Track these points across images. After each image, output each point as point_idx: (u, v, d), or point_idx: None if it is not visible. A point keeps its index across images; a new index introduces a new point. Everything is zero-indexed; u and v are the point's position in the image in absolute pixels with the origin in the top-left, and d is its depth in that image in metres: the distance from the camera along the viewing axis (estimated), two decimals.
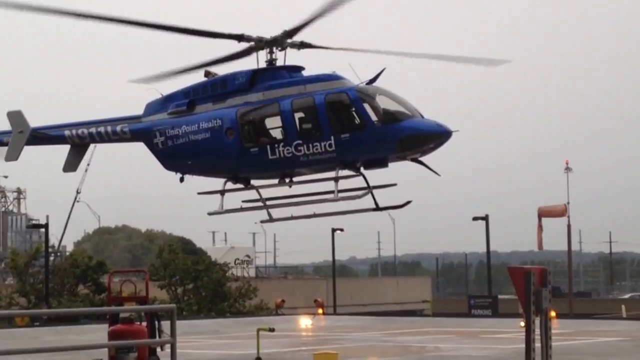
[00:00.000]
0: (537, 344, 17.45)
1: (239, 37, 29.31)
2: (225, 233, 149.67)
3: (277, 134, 28.86)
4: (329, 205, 29.03)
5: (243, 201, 30.04)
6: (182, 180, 30.63)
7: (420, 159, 28.48)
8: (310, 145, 28.11)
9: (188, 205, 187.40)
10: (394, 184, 29.08)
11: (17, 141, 31.96)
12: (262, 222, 30.42)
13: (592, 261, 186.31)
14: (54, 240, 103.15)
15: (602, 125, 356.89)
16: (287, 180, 29.32)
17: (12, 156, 32.15)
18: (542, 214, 69.13)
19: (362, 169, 28.57)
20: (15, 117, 32.05)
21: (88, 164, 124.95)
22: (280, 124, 28.73)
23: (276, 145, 28.48)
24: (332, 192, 28.37)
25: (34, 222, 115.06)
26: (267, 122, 29.27)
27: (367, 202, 29.01)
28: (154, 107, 31.13)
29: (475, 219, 78.22)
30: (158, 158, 30.80)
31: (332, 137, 27.93)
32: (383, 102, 27.99)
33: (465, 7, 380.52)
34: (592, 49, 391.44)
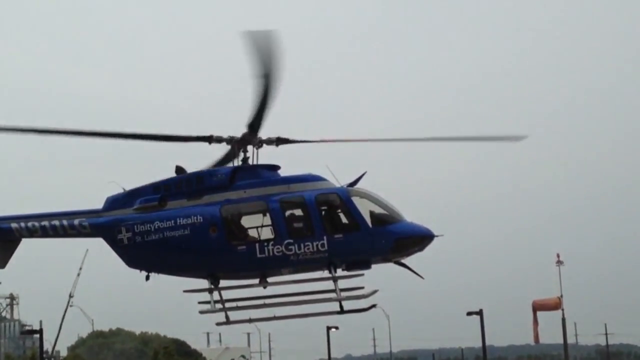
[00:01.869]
0: None
1: (209, 139, 29.15)
2: (220, 334, 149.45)
3: (266, 232, 28.48)
4: (292, 309, 28.69)
5: (226, 300, 29.00)
6: (147, 278, 29.39)
7: (403, 261, 28.63)
8: (302, 245, 27.85)
9: (181, 306, 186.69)
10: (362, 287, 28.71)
11: None
12: (217, 324, 29.28)
13: (588, 354, 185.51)
14: (47, 345, 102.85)
15: (594, 214, 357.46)
16: (262, 279, 28.76)
17: None
18: (537, 307, 69.61)
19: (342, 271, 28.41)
20: None
21: (80, 268, 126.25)
22: (269, 222, 28.37)
23: (265, 244, 28.04)
24: (322, 292, 28.34)
25: (27, 327, 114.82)
26: (254, 220, 28.86)
27: (333, 305, 28.77)
28: (116, 201, 29.85)
29: (469, 313, 78.20)
30: (121, 255, 29.50)
31: (325, 237, 27.79)
32: (372, 205, 28.19)
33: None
34: (592, 142, 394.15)
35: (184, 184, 29.43)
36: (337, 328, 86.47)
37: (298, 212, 28.49)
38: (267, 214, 28.45)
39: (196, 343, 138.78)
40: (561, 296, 71.74)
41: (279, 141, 29.48)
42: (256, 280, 28.94)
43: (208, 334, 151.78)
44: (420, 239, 28.13)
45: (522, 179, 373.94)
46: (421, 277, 28.82)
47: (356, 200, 28.12)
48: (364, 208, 28.12)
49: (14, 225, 30.41)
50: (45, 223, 30.27)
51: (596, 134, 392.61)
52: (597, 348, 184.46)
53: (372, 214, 28.06)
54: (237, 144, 29.35)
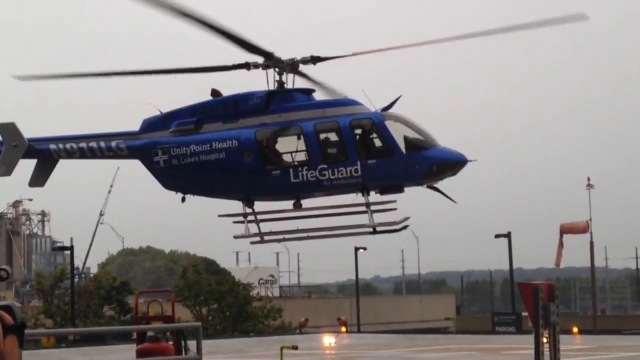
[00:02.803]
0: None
1: (246, 66, 28.89)
2: (249, 253, 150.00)
3: (300, 156, 28.49)
4: (325, 228, 28.91)
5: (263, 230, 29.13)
6: (183, 200, 29.68)
7: (436, 185, 28.70)
8: (336, 170, 27.85)
9: (211, 226, 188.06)
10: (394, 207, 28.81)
11: (11, 155, 30.04)
12: (252, 243, 29.34)
13: (618, 277, 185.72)
14: (78, 262, 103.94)
15: (626, 139, 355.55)
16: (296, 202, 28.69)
17: (6, 171, 30.29)
18: (565, 230, 69.23)
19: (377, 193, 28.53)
20: (8, 129, 30.11)
21: (111, 186, 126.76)
22: (303, 146, 28.38)
23: (299, 169, 28.16)
24: (355, 212, 28.45)
25: (58, 244, 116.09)
26: (289, 144, 28.90)
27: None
28: (153, 124, 29.96)
29: (497, 236, 78.29)
30: (158, 177, 29.71)
31: (359, 163, 27.81)
32: (407, 130, 28.16)
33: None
34: (619, 65, 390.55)
35: (219, 108, 29.45)
36: (365, 249, 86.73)
37: (332, 136, 28.58)
38: (302, 139, 28.50)
39: (225, 262, 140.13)
40: (590, 219, 71.48)
41: (314, 59, 29.35)
42: (290, 204, 29.06)
43: (237, 253, 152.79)
44: (453, 164, 28.11)
45: (554, 102, 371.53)
46: (454, 201, 28.85)
47: (390, 125, 28.10)
48: (398, 133, 28.13)
49: (52, 146, 30.48)
50: (83, 145, 30.39)
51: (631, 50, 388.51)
52: (627, 272, 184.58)
53: (406, 139, 28.02)
54: (274, 68, 29.21)
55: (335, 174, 27.89)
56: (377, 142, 28.07)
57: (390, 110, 28.37)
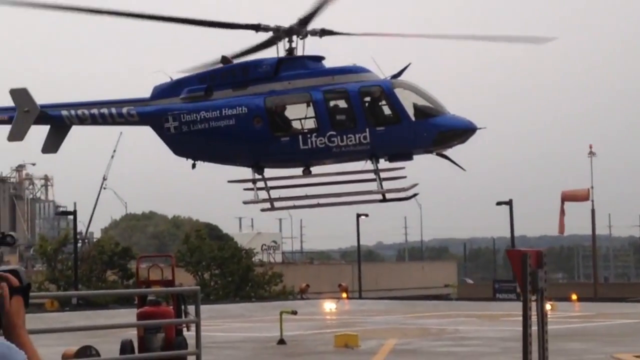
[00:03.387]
0: (557, 326, 18.05)
1: (256, 27, 29.00)
2: (252, 219, 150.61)
3: (309, 123, 28.62)
4: (335, 195, 29.13)
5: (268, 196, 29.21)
6: (194, 166, 29.98)
7: (445, 153, 28.83)
8: (345, 137, 27.99)
9: (214, 191, 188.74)
10: (404, 176, 28.93)
11: (23, 121, 30.22)
12: (262, 210, 29.67)
13: (622, 245, 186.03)
14: (81, 227, 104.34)
15: (630, 109, 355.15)
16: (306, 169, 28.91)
17: (17, 136, 30.44)
18: (566, 198, 69.48)
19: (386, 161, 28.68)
20: (20, 95, 30.25)
21: (114, 151, 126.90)
22: (312, 114, 28.50)
23: (308, 136, 28.28)
24: (359, 181, 28.61)
25: (61, 209, 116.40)
26: (298, 111, 29.00)
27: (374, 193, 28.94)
28: (164, 91, 30.14)
29: (499, 203, 78.37)
30: (168, 143, 29.98)
31: (367, 130, 27.87)
32: (416, 97, 28.26)
33: None
34: (623, 35, 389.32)
35: (229, 75, 29.65)
36: (366, 215, 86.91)
37: (341, 104, 28.70)
38: (311, 106, 28.64)
39: (228, 228, 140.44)
40: (592, 187, 71.73)
41: (323, 32, 29.44)
42: (299, 170, 29.23)
43: (240, 219, 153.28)
44: (462, 131, 28.23)
45: (556, 71, 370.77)
46: (463, 168, 29.00)
47: (399, 93, 28.21)
48: (407, 100, 28.25)
49: (64, 112, 30.63)
50: (94, 111, 30.57)
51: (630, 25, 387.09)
52: (631, 240, 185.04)
53: (415, 107, 28.17)
54: (284, 34, 29.32)
55: (344, 141, 27.99)
56: (386, 109, 28.18)
57: (400, 78, 28.52)
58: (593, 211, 73.25)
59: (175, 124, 29.55)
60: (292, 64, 29.26)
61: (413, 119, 27.79)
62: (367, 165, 28.60)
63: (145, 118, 30.26)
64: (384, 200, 28.82)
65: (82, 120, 30.76)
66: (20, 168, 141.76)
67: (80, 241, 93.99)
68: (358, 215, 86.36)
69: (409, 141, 27.92)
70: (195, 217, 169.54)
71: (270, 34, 29.36)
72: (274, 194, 29.46)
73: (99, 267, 79.61)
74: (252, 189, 29.14)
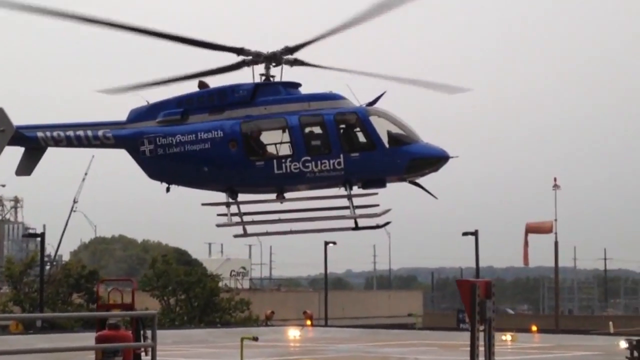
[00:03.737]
0: (514, 357, 18.46)
1: (239, 51, 29.30)
2: (222, 245, 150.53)
3: (284, 148, 28.94)
4: (307, 224, 29.40)
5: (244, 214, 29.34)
6: (168, 190, 30.12)
7: (417, 181, 29.26)
8: (319, 162, 28.38)
9: (185, 216, 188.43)
10: (376, 204, 29.15)
11: None
12: (235, 236, 29.83)
13: (586, 278, 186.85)
14: (50, 249, 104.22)
15: (595, 143, 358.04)
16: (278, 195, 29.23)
17: None
18: (530, 230, 70.36)
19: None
20: None
21: (86, 173, 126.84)
22: (287, 139, 28.85)
23: (283, 160, 28.65)
24: (337, 208, 28.89)
25: (30, 231, 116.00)
26: (273, 136, 29.28)
27: (348, 221, 29.05)
28: (140, 114, 30.35)
29: (465, 234, 78.89)
30: (143, 167, 30.08)
31: (342, 156, 28.30)
32: (390, 125, 28.71)
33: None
34: (585, 66, 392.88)
35: (206, 99, 29.95)
36: (334, 243, 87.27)
37: (316, 130, 29.04)
38: (286, 131, 28.96)
39: (197, 253, 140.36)
40: (555, 220, 72.59)
41: (296, 62, 29.82)
42: (273, 196, 29.54)
43: (210, 244, 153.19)
44: (435, 159, 28.70)
45: (524, 103, 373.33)
46: (434, 196, 29.38)
47: (374, 120, 28.65)
48: (382, 128, 28.68)
49: (40, 134, 30.77)
50: (70, 133, 30.69)
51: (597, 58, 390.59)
52: (595, 272, 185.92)
53: (389, 134, 28.64)
54: (264, 60, 29.65)
55: (318, 166, 28.35)
56: (361, 136, 28.59)
57: (375, 106, 29.01)
58: (556, 244, 74.02)
59: (151, 147, 29.71)
60: (269, 89, 29.63)
61: (387, 146, 28.25)
62: (341, 191, 29.01)
63: (121, 141, 30.38)
64: (357, 228, 29.15)
65: (57, 142, 30.81)
66: None
67: (48, 264, 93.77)
68: (326, 243, 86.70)
69: (383, 168, 28.39)
70: (165, 242, 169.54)
71: (248, 58, 29.63)
72: (247, 219, 29.67)
73: (65, 289, 79.43)
74: (225, 214, 29.40)
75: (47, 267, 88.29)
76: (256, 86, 29.61)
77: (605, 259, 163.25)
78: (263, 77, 29.98)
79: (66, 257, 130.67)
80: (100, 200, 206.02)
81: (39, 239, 78.04)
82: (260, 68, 30.02)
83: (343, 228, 29.51)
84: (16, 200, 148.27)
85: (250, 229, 29.68)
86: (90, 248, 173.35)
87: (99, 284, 34.07)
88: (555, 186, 76.16)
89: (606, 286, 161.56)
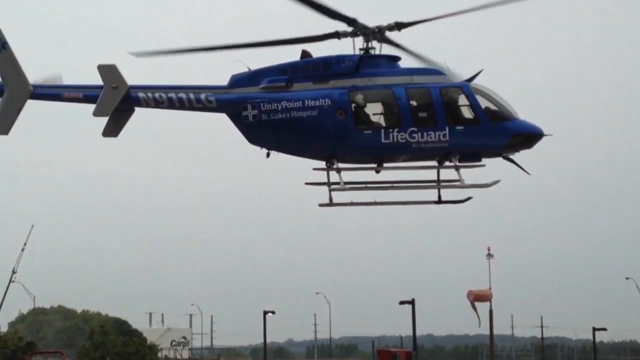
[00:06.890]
0: None
1: (336, 35, 29.93)
2: (162, 314, 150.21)
3: (391, 119, 29.76)
4: (394, 194, 29.40)
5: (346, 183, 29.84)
6: (268, 155, 30.63)
7: (511, 157, 30.13)
8: (425, 134, 29.35)
9: (124, 286, 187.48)
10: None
11: (110, 97, 30.21)
12: (320, 205, 30.01)
13: (524, 346, 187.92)
14: None
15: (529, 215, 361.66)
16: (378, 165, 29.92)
17: (103, 112, 30.37)
18: (475, 298, 71.40)
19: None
20: (109, 71, 30.33)
21: (25, 244, 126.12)
22: (395, 109, 29.61)
23: (390, 130, 29.31)
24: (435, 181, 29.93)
25: None
26: (381, 107, 30.05)
27: (431, 195, 30.23)
28: (242, 80, 30.82)
29: (402, 302, 79.66)
30: (244, 132, 30.34)
31: (447, 128, 29.21)
32: (492, 100, 29.67)
33: None
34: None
35: (310, 68, 30.55)
36: (273, 312, 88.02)
37: (423, 102, 29.71)
38: (394, 102, 29.65)
39: (138, 323, 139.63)
40: (490, 288, 73.86)
41: (398, 25, 30.32)
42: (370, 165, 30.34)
43: (150, 314, 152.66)
44: (534, 136, 29.91)
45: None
46: (528, 172, 30.36)
47: (479, 96, 29.83)
48: (486, 103, 29.77)
49: (141, 94, 31.17)
50: (172, 95, 31.10)
51: None
52: (533, 340, 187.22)
53: (491, 110, 29.85)
54: (363, 36, 30.38)
55: (424, 137, 29.30)
56: (466, 110, 29.64)
57: (474, 82, 30.00)
58: (491, 312, 75.24)
59: (254, 113, 30.15)
60: (373, 61, 30.49)
61: (491, 120, 28.88)
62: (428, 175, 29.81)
63: (224, 105, 30.78)
64: (440, 201, 29.84)
65: (158, 104, 31.18)
66: None
67: None
68: (265, 313, 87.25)
69: (486, 142, 29.60)
70: (105, 312, 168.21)
71: (348, 38, 30.13)
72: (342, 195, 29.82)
73: None
74: (321, 184, 29.73)
75: None
76: (361, 58, 30.15)
77: (542, 326, 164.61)
78: (361, 51, 30.69)
79: (4, 329, 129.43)
80: (40, 270, 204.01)
81: None
82: (358, 41, 30.69)
83: (427, 201, 30.26)
84: None
85: (353, 190, 29.96)
86: (28, 319, 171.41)
87: (29, 356, 34.38)
88: (489, 255, 77.59)
89: (543, 354, 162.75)
